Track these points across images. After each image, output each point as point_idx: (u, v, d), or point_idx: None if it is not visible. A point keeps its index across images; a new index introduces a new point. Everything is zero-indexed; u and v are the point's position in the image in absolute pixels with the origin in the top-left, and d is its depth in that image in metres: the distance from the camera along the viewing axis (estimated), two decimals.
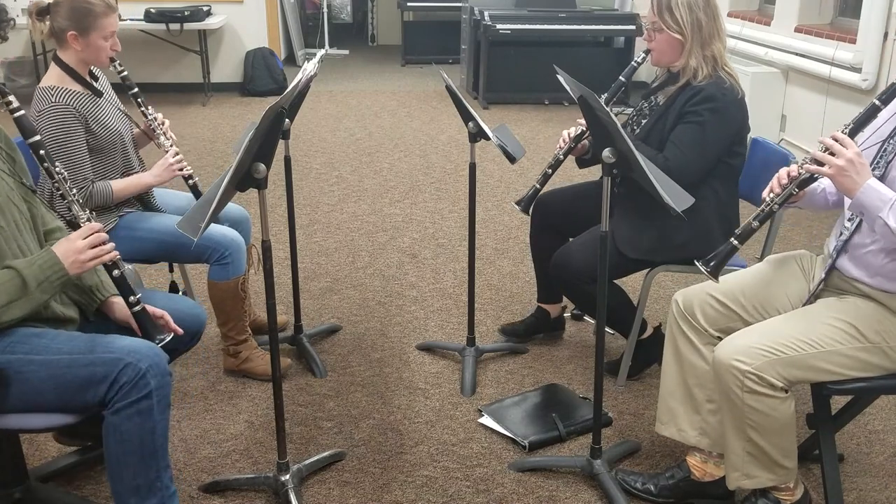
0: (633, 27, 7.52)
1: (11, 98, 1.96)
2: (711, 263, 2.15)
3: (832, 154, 1.95)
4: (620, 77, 2.82)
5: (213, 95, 7.87)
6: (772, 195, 2.09)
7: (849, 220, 2.15)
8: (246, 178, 2.04)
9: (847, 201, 2.01)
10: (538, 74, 7.47)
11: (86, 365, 1.88)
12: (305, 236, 4.36)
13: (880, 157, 2.07)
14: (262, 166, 2.03)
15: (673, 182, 2.16)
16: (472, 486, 2.44)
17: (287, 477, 2.32)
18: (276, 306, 2.22)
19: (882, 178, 2.04)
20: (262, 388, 2.93)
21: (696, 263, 2.16)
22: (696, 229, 2.66)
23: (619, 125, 2.10)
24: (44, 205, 2.22)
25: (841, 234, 2.17)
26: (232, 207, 3.04)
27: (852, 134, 1.99)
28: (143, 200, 2.89)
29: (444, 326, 3.42)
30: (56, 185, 2.03)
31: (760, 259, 2.46)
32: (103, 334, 2.01)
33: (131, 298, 2.06)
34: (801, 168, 2.03)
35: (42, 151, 2.01)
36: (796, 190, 2.05)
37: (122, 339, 1.96)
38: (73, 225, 2.05)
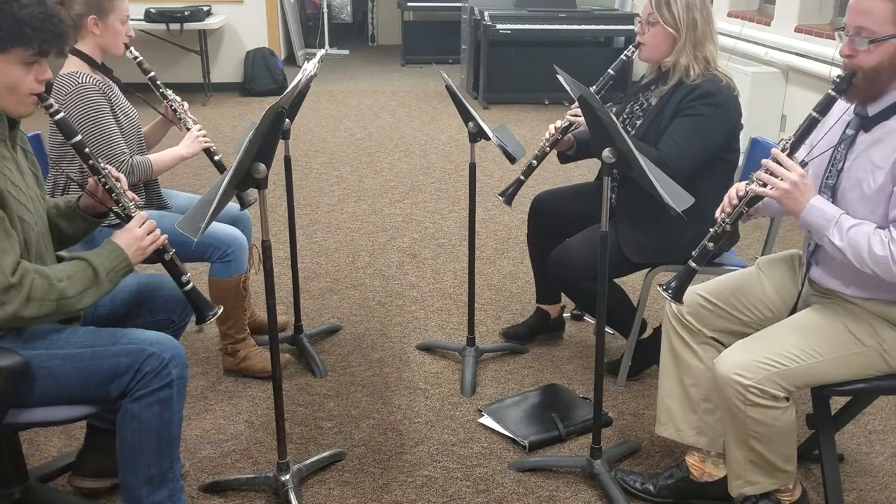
0: (633, 27, 7.50)
1: (52, 101, 1.98)
2: (672, 288, 2.14)
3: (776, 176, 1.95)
4: (609, 70, 2.84)
5: (213, 95, 7.87)
6: (723, 215, 2.09)
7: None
8: (246, 178, 2.05)
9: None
10: (538, 74, 7.46)
11: (110, 357, 1.91)
12: (305, 236, 4.36)
13: (832, 166, 2.07)
14: (262, 166, 2.04)
15: (673, 182, 2.16)
16: (472, 486, 2.44)
17: (287, 477, 2.32)
18: (276, 306, 2.22)
19: (835, 187, 2.04)
20: (262, 388, 2.93)
21: (659, 289, 2.17)
22: (699, 230, 2.65)
23: (619, 125, 2.10)
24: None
25: (809, 245, 2.18)
26: (232, 207, 3.04)
27: (793, 149, 1.99)
28: (151, 198, 2.90)
29: (444, 326, 3.42)
30: (102, 179, 2.05)
31: (759, 258, 2.46)
32: (123, 328, 2.04)
33: (183, 278, 2.13)
34: (748, 188, 2.03)
35: (86, 150, 2.03)
36: (746, 208, 2.05)
37: (143, 331, 2.00)
38: (120, 217, 2.09)
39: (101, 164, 2.06)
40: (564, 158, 3.02)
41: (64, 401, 1.94)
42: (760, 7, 6.60)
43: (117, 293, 2.26)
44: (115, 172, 2.11)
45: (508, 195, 2.95)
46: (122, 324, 2.21)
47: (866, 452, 2.63)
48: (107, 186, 2.06)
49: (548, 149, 2.88)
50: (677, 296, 2.14)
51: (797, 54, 5.51)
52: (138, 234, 2.03)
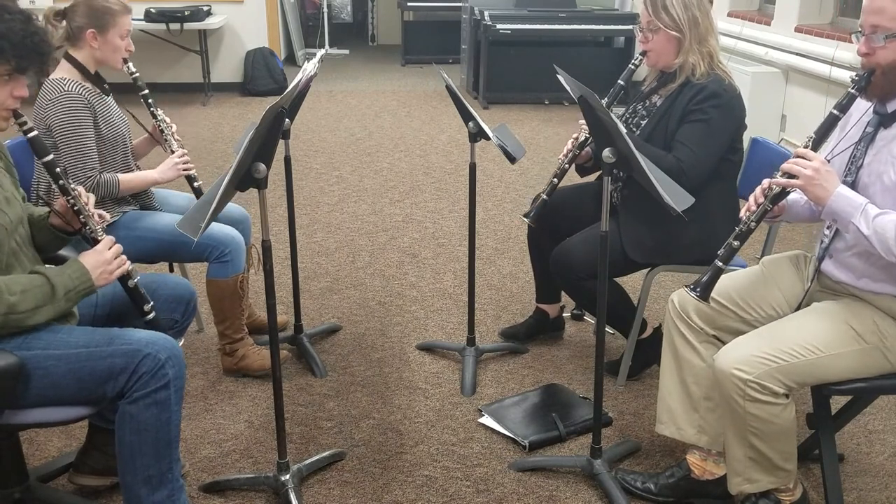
0: (633, 27, 7.48)
1: (26, 119, 1.98)
2: (699, 288, 2.14)
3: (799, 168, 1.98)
4: (619, 81, 2.82)
5: (213, 95, 7.87)
6: (748, 213, 2.10)
7: (828, 227, 2.17)
8: (246, 178, 2.05)
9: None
10: (538, 74, 7.47)
11: (105, 357, 1.90)
12: (305, 236, 4.36)
13: (851, 164, 2.09)
14: (262, 166, 2.04)
15: (673, 182, 2.16)
16: (472, 486, 2.44)
17: (287, 477, 2.32)
18: (276, 306, 2.22)
19: (854, 184, 2.05)
20: (262, 387, 2.93)
21: (685, 290, 2.17)
22: (702, 230, 2.66)
23: (619, 125, 2.10)
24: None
25: (822, 241, 2.19)
26: (232, 207, 3.04)
27: (815, 146, 2.03)
28: (140, 199, 2.89)
29: (444, 326, 3.42)
30: (71, 200, 2.04)
31: (760, 258, 2.46)
32: (119, 327, 2.03)
33: (146, 307, 2.13)
34: (772, 183, 2.04)
35: (58, 169, 2.03)
36: (770, 206, 2.07)
37: (139, 331, 2.00)
38: (87, 239, 2.07)
39: (71, 185, 2.04)
40: (583, 171, 3.01)
41: (59, 402, 1.93)
42: (760, 7, 6.60)
43: (118, 293, 2.25)
44: (84, 193, 2.09)
45: (533, 216, 2.94)
46: (123, 323, 2.20)
47: (866, 452, 2.63)
48: (75, 208, 2.05)
49: (567, 165, 2.87)
50: (704, 295, 2.14)
51: (797, 54, 5.51)
52: (107, 257, 2.01)
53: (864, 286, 2.08)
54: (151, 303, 2.15)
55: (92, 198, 2.12)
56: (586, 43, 8.20)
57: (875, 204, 1.97)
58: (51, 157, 2.03)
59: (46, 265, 2.05)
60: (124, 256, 2.06)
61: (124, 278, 2.08)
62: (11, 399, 1.88)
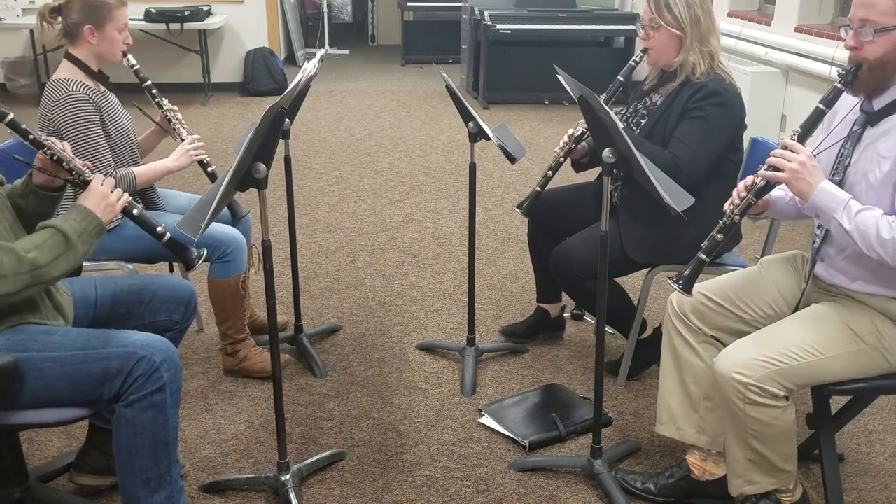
0: (633, 27, 7.51)
1: None
2: (681, 280, 2.14)
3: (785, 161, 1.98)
4: (619, 77, 2.82)
5: (213, 95, 7.87)
6: (731, 207, 2.10)
7: (818, 227, 2.16)
8: (246, 178, 2.05)
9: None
10: (538, 74, 7.47)
11: (100, 360, 1.90)
12: (305, 236, 4.36)
13: (839, 163, 2.09)
14: (262, 166, 2.04)
15: (673, 182, 2.16)
16: (472, 486, 2.44)
17: (287, 477, 2.32)
18: (276, 306, 2.22)
19: (841, 183, 2.05)
20: (262, 388, 2.93)
21: (669, 282, 2.17)
22: (702, 230, 2.65)
23: (619, 125, 2.10)
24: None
25: (814, 242, 2.18)
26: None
27: (801, 139, 2.02)
28: (146, 199, 2.90)
29: (444, 326, 3.42)
30: (47, 151, 2.02)
31: (760, 258, 2.46)
32: (115, 330, 2.02)
33: (158, 230, 2.15)
34: (757, 177, 2.04)
35: (23, 126, 2.00)
36: (754, 199, 2.06)
37: (135, 333, 1.99)
38: (78, 185, 2.06)
39: (43, 137, 2.02)
40: (578, 167, 3.01)
41: (55, 403, 1.92)
42: (760, 7, 6.60)
43: (118, 293, 2.25)
44: (58, 141, 2.07)
45: (526, 207, 2.94)
46: (123, 324, 2.20)
47: (866, 452, 2.63)
48: (55, 157, 2.03)
49: (562, 158, 2.87)
50: (687, 287, 2.14)
51: (797, 54, 5.51)
52: (103, 190, 2.01)
53: (858, 288, 2.08)
54: (163, 224, 2.15)
55: (67, 145, 2.10)
56: (586, 43, 8.20)
57: (860, 201, 1.97)
58: (11, 115, 1.99)
59: None
60: (119, 189, 2.07)
61: (128, 209, 2.09)
62: (7, 400, 1.88)
